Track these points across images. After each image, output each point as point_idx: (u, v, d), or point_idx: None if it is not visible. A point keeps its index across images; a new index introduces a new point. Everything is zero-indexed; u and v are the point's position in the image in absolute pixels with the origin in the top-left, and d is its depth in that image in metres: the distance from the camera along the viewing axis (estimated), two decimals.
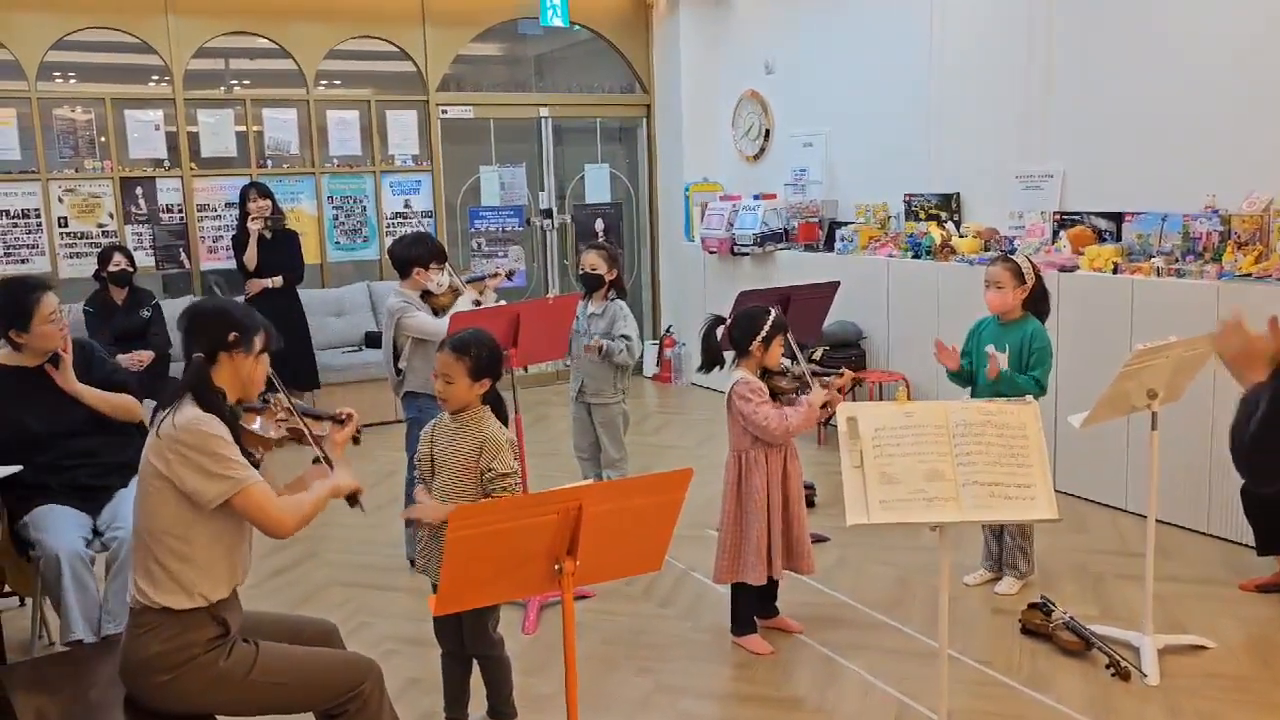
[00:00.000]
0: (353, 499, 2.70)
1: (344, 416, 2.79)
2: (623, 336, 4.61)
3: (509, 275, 4.94)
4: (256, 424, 2.65)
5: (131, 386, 3.74)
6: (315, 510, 2.56)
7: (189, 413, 2.42)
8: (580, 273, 4.80)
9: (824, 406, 3.66)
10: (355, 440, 2.83)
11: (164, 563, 2.41)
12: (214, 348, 2.52)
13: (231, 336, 2.53)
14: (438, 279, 4.49)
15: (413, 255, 4.48)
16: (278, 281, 6.62)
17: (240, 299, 6.34)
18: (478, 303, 4.49)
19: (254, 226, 6.55)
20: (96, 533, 3.55)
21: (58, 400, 3.51)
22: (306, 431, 2.71)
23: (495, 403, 3.06)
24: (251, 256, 6.55)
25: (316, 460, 2.73)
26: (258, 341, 2.60)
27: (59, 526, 3.40)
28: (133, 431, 3.75)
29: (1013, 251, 5.00)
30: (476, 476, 2.95)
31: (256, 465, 2.53)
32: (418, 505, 2.99)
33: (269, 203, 6.64)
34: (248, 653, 2.49)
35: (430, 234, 4.84)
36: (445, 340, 3.04)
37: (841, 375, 3.80)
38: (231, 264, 7.02)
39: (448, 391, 2.97)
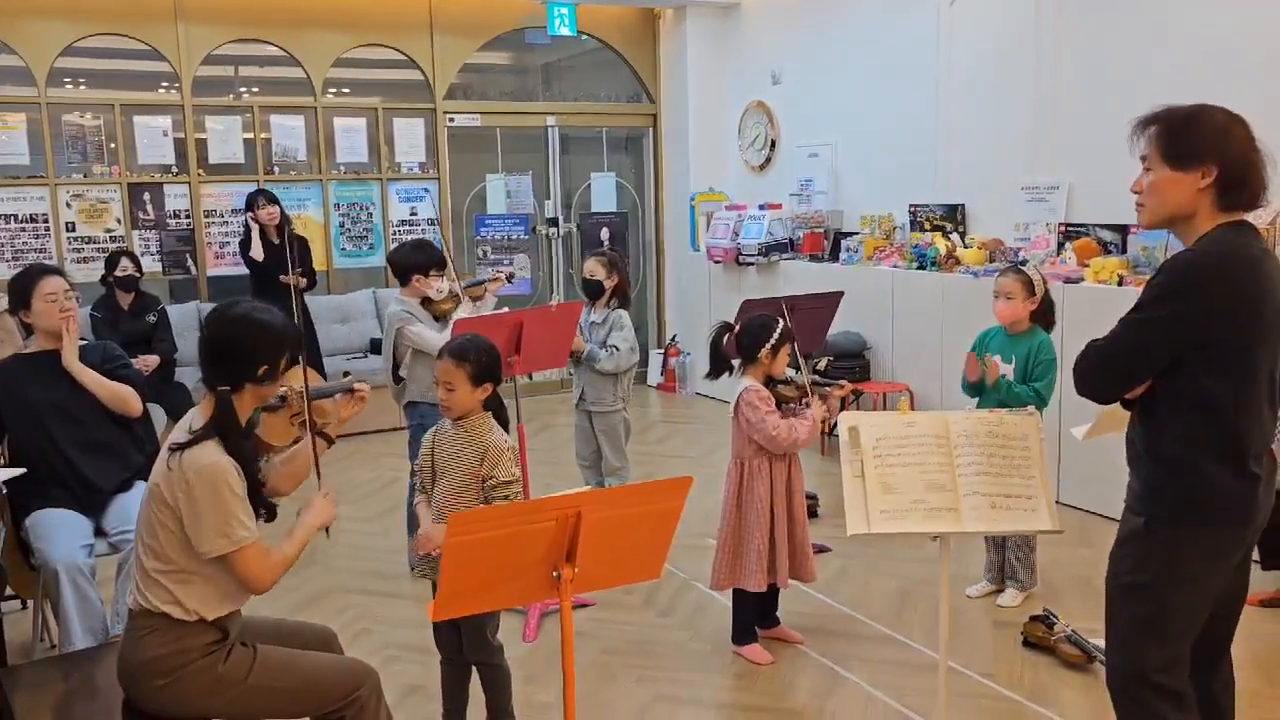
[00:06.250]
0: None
1: (356, 387, 2.81)
2: (611, 346, 4.62)
3: (509, 279, 4.94)
4: (276, 429, 2.66)
5: (139, 386, 3.77)
6: (297, 556, 2.55)
7: (208, 455, 2.37)
8: (581, 279, 4.81)
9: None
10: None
11: (163, 582, 2.40)
12: (240, 380, 2.49)
13: (261, 370, 2.50)
14: (437, 286, 4.49)
15: (412, 262, 4.47)
16: (302, 281, 6.50)
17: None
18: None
19: (255, 225, 6.60)
20: (101, 533, 3.56)
21: (73, 384, 3.60)
22: (311, 426, 2.71)
23: (496, 408, 3.06)
24: (258, 249, 6.55)
25: (315, 432, 2.74)
26: (284, 365, 2.55)
27: (58, 535, 3.41)
28: (142, 434, 3.80)
29: (1021, 263, 4.99)
30: (478, 484, 2.94)
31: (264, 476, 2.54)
32: (424, 536, 2.97)
33: (277, 209, 6.65)
34: (246, 656, 2.48)
35: (430, 241, 4.84)
36: (444, 348, 3.03)
37: (841, 387, 3.80)
38: (237, 269, 7.05)
39: (451, 399, 2.96)
